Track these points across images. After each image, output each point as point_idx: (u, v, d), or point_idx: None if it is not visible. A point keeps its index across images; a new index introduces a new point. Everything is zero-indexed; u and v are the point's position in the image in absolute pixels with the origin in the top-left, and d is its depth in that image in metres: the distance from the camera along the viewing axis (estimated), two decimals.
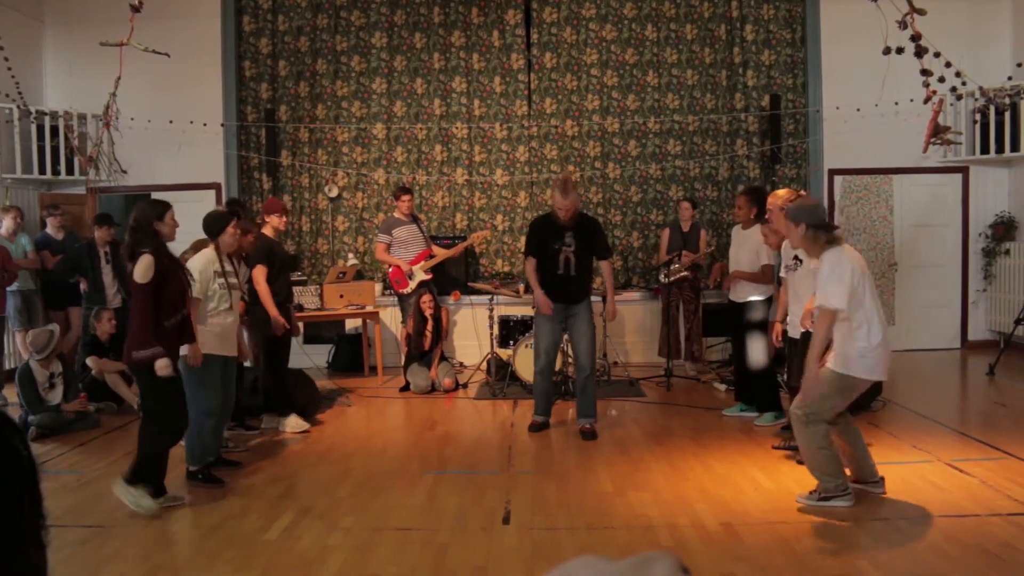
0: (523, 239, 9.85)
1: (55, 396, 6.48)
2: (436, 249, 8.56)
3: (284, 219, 6.65)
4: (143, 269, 4.43)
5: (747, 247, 6.35)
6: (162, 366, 4.44)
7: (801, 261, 5.13)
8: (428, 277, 8.32)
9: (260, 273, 6.24)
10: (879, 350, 4.26)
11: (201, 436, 5.01)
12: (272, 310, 6.21)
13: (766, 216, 5.59)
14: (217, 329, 5.14)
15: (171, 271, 4.58)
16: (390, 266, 8.36)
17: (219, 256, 5.19)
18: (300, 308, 8.03)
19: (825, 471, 4.37)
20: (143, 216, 4.53)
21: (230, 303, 5.22)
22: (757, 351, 6.28)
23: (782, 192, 5.42)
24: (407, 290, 8.27)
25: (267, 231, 6.49)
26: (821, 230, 4.29)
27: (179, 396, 4.64)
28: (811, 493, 4.46)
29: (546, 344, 6.16)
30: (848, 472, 4.60)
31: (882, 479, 4.61)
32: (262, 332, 6.34)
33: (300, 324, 7.38)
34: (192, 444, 5.02)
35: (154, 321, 4.46)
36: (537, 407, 6.32)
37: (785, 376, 6.12)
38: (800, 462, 5.13)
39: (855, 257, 4.32)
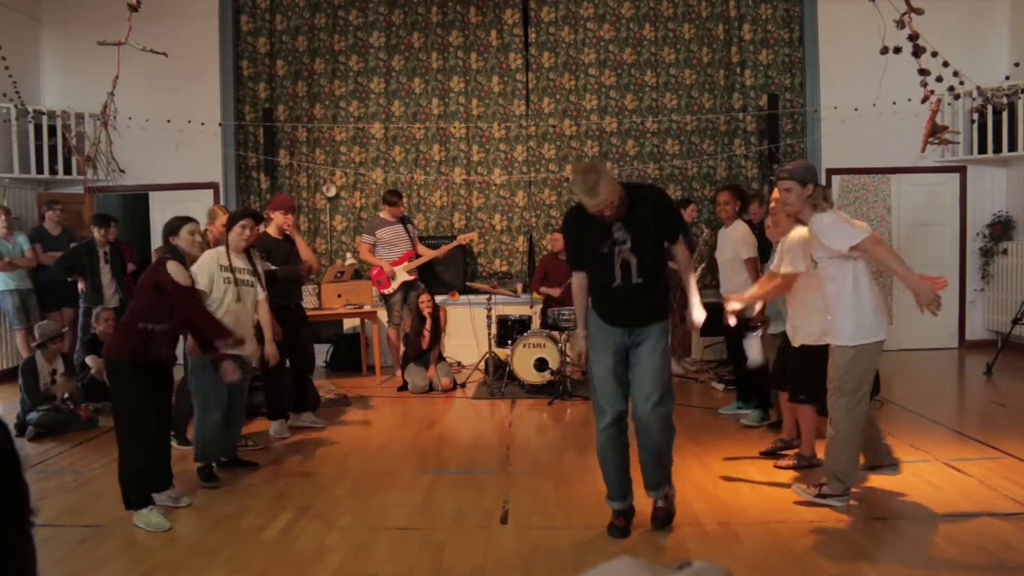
0: (521, 239, 9.93)
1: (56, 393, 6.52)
2: (422, 249, 8.52)
3: (289, 216, 6.25)
4: (176, 272, 4.47)
5: (728, 244, 6.27)
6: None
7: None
8: (411, 278, 8.30)
9: None
10: (873, 308, 4.31)
11: (203, 430, 4.99)
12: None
13: (771, 210, 5.21)
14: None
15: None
16: (373, 266, 8.35)
17: (227, 252, 5.14)
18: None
19: (837, 471, 4.35)
20: (165, 230, 4.74)
21: (237, 296, 5.08)
22: (753, 350, 6.24)
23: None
24: (389, 290, 8.29)
25: (270, 229, 6.18)
26: (822, 192, 4.29)
27: (143, 400, 4.38)
28: (810, 486, 4.46)
29: (609, 392, 4.02)
30: (862, 459, 4.64)
31: (898, 461, 4.73)
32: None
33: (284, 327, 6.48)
34: (195, 438, 5.04)
35: (139, 320, 4.39)
36: (610, 490, 4.13)
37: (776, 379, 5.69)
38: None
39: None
